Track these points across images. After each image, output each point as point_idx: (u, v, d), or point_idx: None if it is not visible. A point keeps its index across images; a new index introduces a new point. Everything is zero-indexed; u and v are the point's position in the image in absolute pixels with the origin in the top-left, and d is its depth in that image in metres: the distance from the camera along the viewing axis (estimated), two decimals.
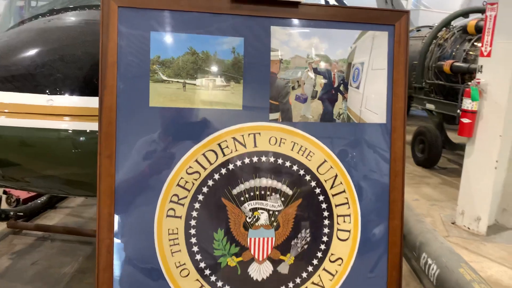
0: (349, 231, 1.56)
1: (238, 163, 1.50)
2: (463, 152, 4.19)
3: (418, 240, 3.63)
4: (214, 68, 1.47)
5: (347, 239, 1.56)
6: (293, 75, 1.53)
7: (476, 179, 4.09)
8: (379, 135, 1.57)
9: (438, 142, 6.03)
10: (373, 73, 1.55)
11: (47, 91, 1.95)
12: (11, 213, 3.60)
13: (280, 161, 1.52)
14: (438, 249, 3.46)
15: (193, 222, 1.47)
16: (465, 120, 3.91)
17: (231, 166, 1.49)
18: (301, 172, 1.53)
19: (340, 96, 1.55)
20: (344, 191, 1.55)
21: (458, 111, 4.81)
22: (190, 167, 1.46)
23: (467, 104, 3.82)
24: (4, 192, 3.89)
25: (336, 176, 1.55)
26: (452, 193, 5.31)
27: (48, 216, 3.96)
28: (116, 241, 1.42)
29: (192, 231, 1.47)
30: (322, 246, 1.55)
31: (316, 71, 1.54)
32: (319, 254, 1.55)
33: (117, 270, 1.43)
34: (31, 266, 3.08)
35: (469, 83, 3.92)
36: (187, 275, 1.47)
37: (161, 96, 1.44)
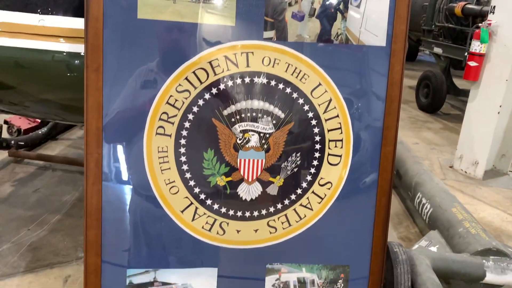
0: (340, 156, 1.54)
1: (230, 83, 1.45)
2: (467, 98, 4.15)
3: (414, 181, 3.66)
4: None
5: (337, 164, 1.55)
6: None
7: (477, 124, 4.08)
8: (378, 59, 1.51)
9: (443, 87, 5.94)
10: None
11: (38, 11, 1.88)
12: (12, 142, 3.62)
13: (273, 82, 1.48)
14: (432, 189, 3.49)
15: (183, 141, 1.46)
16: (472, 63, 3.83)
17: (222, 86, 1.45)
18: (294, 95, 1.49)
19: (339, 15, 1.48)
20: (337, 116, 1.52)
21: (466, 54, 4.69)
22: (180, 85, 1.43)
23: (476, 46, 3.73)
24: (5, 122, 3.90)
25: (330, 100, 1.51)
26: (452, 138, 5.30)
27: (49, 147, 3.99)
28: (105, 155, 1.42)
29: (182, 150, 1.46)
30: (312, 170, 1.54)
31: None
32: (309, 178, 1.54)
33: (105, 184, 1.43)
34: (32, 193, 3.15)
35: (480, 24, 3.81)
36: (176, 193, 1.47)
37: (150, 7, 1.37)
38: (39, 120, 4.01)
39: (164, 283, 1.51)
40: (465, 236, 2.93)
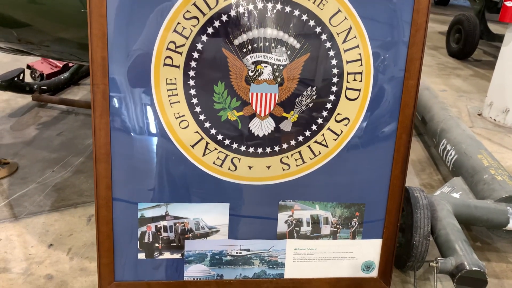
0: (359, 90, 1.45)
1: (241, 9, 1.36)
2: (501, 43, 3.91)
3: (439, 127, 3.53)
4: None
5: (356, 99, 1.46)
6: None
7: (511, 69, 3.86)
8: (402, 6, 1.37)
9: (476, 31, 5.60)
10: None
11: None
12: (35, 86, 3.65)
13: (288, 9, 1.37)
14: (458, 136, 3.36)
15: (192, 73, 1.39)
16: (509, 4, 3.57)
17: (233, 13, 1.36)
18: (311, 23, 1.39)
19: None
20: (357, 46, 1.41)
21: None
22: (187, 11, 1.34)
23: None
24: (28, 67, 3.91)
25: (350, 29, 1.40)
26: (483, 85, 5.06)
27: (72, 92, 4.02)
28: (112, 86, 1.37)
29: (191, 82, 1.39)
30: (329, 105, 1.46)
31: None
32: (325, 113, 1.47)
33: (113, 117, 1.39)
34: (56, 136, 3.20)
35: None
36: (186, 127, 1.43)
37: None
38: (61, 65, 4.01)
39: (176, 217, 1.50)
40: (490, 182, 2.84)
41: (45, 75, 3.89)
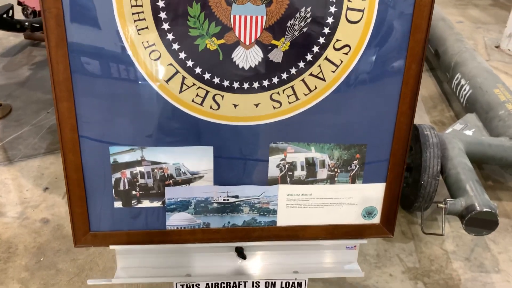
0: (362, 10, 1.22)
1: None
2: None
3: (454, 60, 3.26)
4: None
5: (358, 21, 1.23)
6: None
7: None
8: None
9: None
10: None
11: None
12: (27, 24, 3.43)
13: None
14: (474, 69, 3.11)
15: None
16: None
17: None
18: None
19: None
20: None
21: None
22: None
23: None
24: (19, 3, 3.66)
25: None
26: (502, 15, 4.68)
27: None
28: (66, 11, 1.15)
29: (161, 4, 1.17)
30: (326, 30, 1.23)
31: None
32: (321, 40, 1.24)
33: (72, 47, 1.19)
34: None
35: None
36: (158, 58, 1.22)
37: None
38: None
39: (153, 162, 1.34)
40: (506, 119, 2.64)
41: (37, 12, 3.65)
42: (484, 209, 1.90)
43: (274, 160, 1.37)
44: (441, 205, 2.03)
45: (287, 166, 1.38)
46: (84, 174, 1.32)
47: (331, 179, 1.41)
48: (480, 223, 1.95)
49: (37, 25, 3.48)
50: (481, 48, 4.15)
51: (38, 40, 3.52)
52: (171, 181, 1.36)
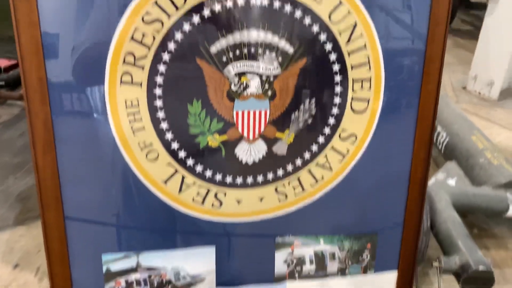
0: (367, 100, 1.18)
1: (218, 7, 1.05)
2: (479, 12, 3.75)
3: None
4: None
5: (364, 111, 1.19)
6: None
7: (495, 40, 3.73)
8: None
9: (454, 0, 5.42)
10: None
11: None
12: None
13: (276, 4, 1.07)
14: (449, 116, 3.17)
15: (158, 91, 1.08)
16: None
17: (207, 12, 1.05)
18: (307, 20, 1.09)
19: None
20: (364, 47, 1.13)
21: None
22: (147, 13, 1.02)
23: None
24: None
25: (355, 25, 1.11)
26: (464, 56, 4.89)
27: None
28: (55, 116, 1.05)
29: (159, 103, 1.09)
30: (331, 120, 1.19)
31: None
32: (327, 131, 1.19)
33: (61, 152, 1.08)
34: (19, 137, 2.91)
35: None
36: (155, 158, 1.13)
37: None
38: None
39: (150, 268, 1.22)
40: (486, 167, 2.67)
41: (2, 69, 3.49)
42: (480, 269, 1.88)
43: (280, 256, 1.28)
44: (435, 263, 2.00)
45: (295, 261, 1.29)
46: (73, 285, 1.19)
47: (342, 272, 1.33)
48: (476, 281, 1.92)
49: (3, 82, 3.33)
50: (449, 90, 4.29)
51: (4, 98, 3.35)
52: (169, 287, 1.24)
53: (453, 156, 2.87)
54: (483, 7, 4.69)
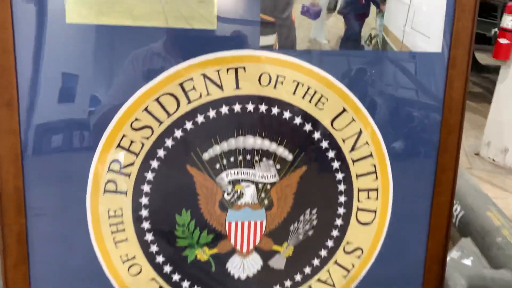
0: (374, 211, 1.08)
1: (212, 113, 0.98)
2: (490, 75, 3.70)
3: None
4: None
5: (370, 223, 1.08)
6: None
7: (508, 107, 3.66)
8: (430, 71, 1.02)
9: None
10: None
11: None
12: None
13: (275, 110, 1.00)
14: (462, 188, 3.04)
15: (144, 200, 0.99)
16: (503, 41, 3.41)
17: (200, 119, 0.98)
18: (307, 127, 1.02)
19: (373, 8, 0.98)
20: (371, 155, 1.05)
21: (496, 30, 4.24)
22: (137, 119, 0.95)
23: (508, 21, 3.34)
24: None
25: (360, 133, 1.03)
26: (476, 120, 4.80)
27: None
28: (30, 227, 0.96)
29: (144, 213, 1.00)
30: (335, 232, 1.08)
31: None
32: (330, 243, 1.08)
33: (35, 266, 0.98)
34: None
35: None
36: (138, 273, 1.02)
37: (84, 5, 0.88)
38: None
39: None
40: (504, 247, 2.49)
41: None
42: None
43: None
44: None
45: None
46: None
47: None
48: None
49: None
50: (462, 156, 4.17)
51: None
52: None
53: (468, 232, 2.71)
54: (494, 70, 4.65)
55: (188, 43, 0.95)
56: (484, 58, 5.52)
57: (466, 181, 3.13)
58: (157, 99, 0.96)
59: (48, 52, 0.90)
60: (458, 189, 3.31)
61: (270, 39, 0.97)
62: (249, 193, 1.03)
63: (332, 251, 1.09)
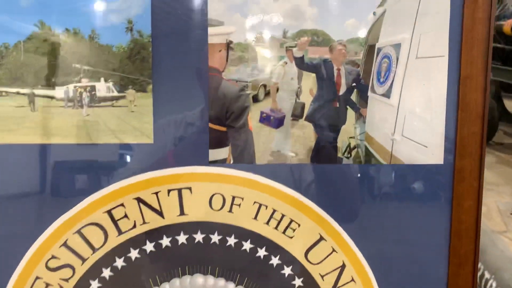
0: None
1: (149, 247, 0.77)
2: None
3: None
4: (91, 63, 0.73)
5: None
6: (256, 72, 0.76)
7: None
8: (429, 189, 0.79)
9: (494, 113, 5.15)
10: (420, 64, 0.76)
11: None
12: None
13: (231, 240, 0.78)
14: (497, 260, 2.68)
15: None
16: None
17: (134, 254, 0.77)
18: (274, 260, 0.79)
19: (351, 113, 0.78)
20: None
21: None
22: (53, 257, 0.76)
23: None
24: None
25: (343, 267, 0.80)
26: (511, 174, 4.43)
27: None
28: None
29: None
30: None
31: (301, 63, 0.76)
32: None
33: None
34: None
35: None
36: None
37: None
38: None
39: None
40: None
41: None
42: None
43: None
44: None
45: None
46: None
47: None
48: None
49: None
50: (496, 216, 3.78)
51: None
52: None
53: None
54: None
55: (117, 161, 0.76)
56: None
57: (502, 252, 2.78)
58: (78, 231, 0.76)
59: None
60: (491, 260, 2.94)
61: (222, 152, 0.78)
62: None
63: None
